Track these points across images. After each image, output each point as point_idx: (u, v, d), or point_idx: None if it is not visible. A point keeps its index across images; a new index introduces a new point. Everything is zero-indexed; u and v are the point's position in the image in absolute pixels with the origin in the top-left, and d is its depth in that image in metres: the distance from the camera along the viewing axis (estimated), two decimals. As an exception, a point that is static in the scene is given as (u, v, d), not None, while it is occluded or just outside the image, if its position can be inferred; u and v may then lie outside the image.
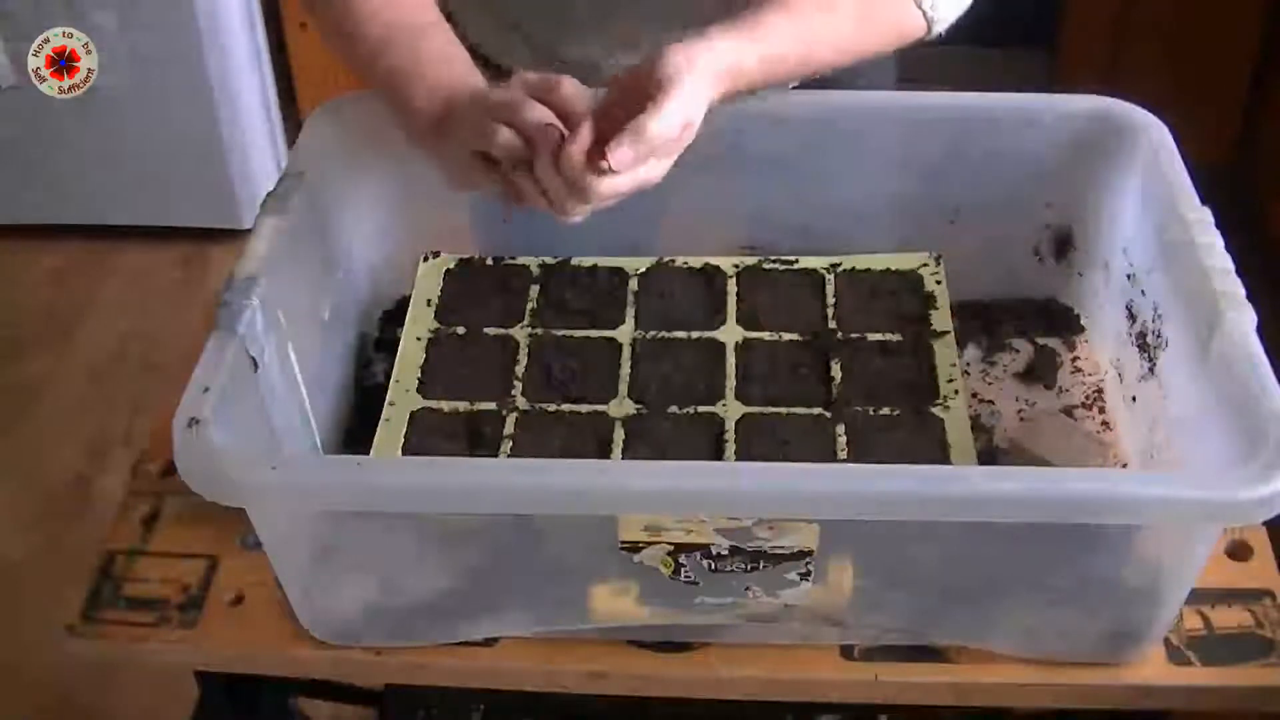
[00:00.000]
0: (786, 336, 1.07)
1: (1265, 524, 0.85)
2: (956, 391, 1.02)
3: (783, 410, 1.01)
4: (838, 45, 0.98)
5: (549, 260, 1.14)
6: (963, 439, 0.98)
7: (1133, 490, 0.80)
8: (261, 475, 0.80)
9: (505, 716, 1.31)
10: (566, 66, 1.15)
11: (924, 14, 1.00)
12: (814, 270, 1.13)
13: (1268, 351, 0.84)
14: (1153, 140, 1.02)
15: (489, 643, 0.93)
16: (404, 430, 1.00)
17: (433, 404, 1.02)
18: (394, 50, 0.99)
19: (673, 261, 1.14)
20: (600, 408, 1.01)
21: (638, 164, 0.86)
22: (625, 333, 1.07)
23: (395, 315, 1.14)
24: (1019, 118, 1.07)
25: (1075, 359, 1.11)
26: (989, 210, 1.10)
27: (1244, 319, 0.86)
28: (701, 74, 0.88)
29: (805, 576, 0.87)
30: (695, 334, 1.07)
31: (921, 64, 1.10)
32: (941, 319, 1.08)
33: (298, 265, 0.98)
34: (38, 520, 2.15)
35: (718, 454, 0.97)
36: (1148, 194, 1.01)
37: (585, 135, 0.87)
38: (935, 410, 1.00)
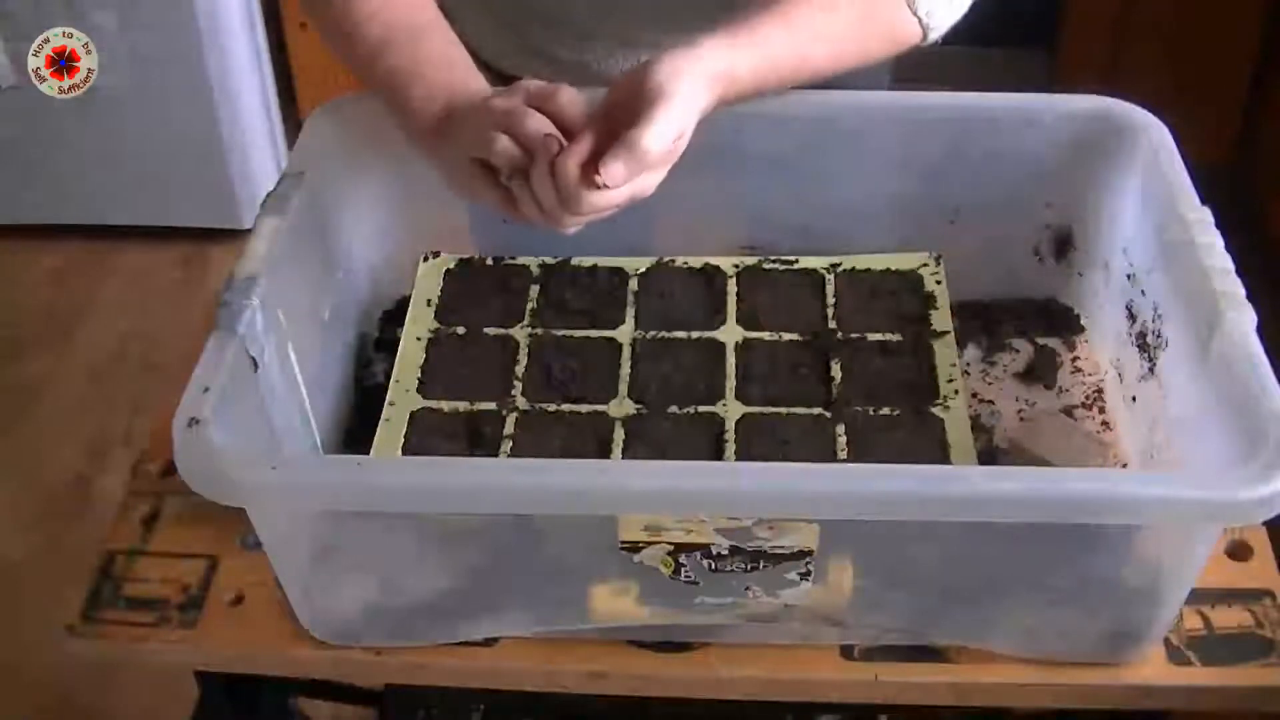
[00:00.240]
0: (786, 336, 1.07)
1: (1265, 524, 0.84)
2: (956, 391, 1.02)
3: (783, 410, 1.01)
4: (833, 52, 0.98)
5: (549, 260, 1.14)
6: (963, 439, 0.98)
7: (1133, 490, 0.80)
8: (261, 475, 0.80)
9: (505, 716, 1.31)
10: (564, 67, 1.16)
11: (919, 20, 1.00)
12: (814, 270, 1.13)
13: (1268, 351, 0.84)
14: (1153, 140, 1.02)
15: (489, 643, 0.93)
16: (404, 430, 1.00)
17: (433, 404, 1.02)
18: (393, 51, 0.98)
19: (673, 261, 1.14)
20: (600, 408, 1.01)
21: (630, 178, 0.87)
22: (625, 333, 1.07)
23: (395, 315, 1.14)
24: (1019, 118, 1.07)
25: (1075, 359, 1.11)
26: (989, 210, 1.10)
27: (1244, 319, 0.86)
28: (692, 83, 0.88)
29: (805, 576, 0.87)
30: (695, 334, 1.07)
31: (921, 64, 1.10)
32: (941, 319, 1.08)
33: (298, 265, 0.98)
34: (38, 520, 2.15)
35: (718, 454, 0.97)
36: (1148, 194, 1.01)
37: (582, 148, 0.87)
38: (935, 410, 1.00)
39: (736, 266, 1.13)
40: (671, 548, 0.85)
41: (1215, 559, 0.94)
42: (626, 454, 0.97)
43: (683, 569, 0.86)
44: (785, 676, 0.92)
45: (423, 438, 1.00)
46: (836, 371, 1.04)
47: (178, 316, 2.44)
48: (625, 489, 0.80)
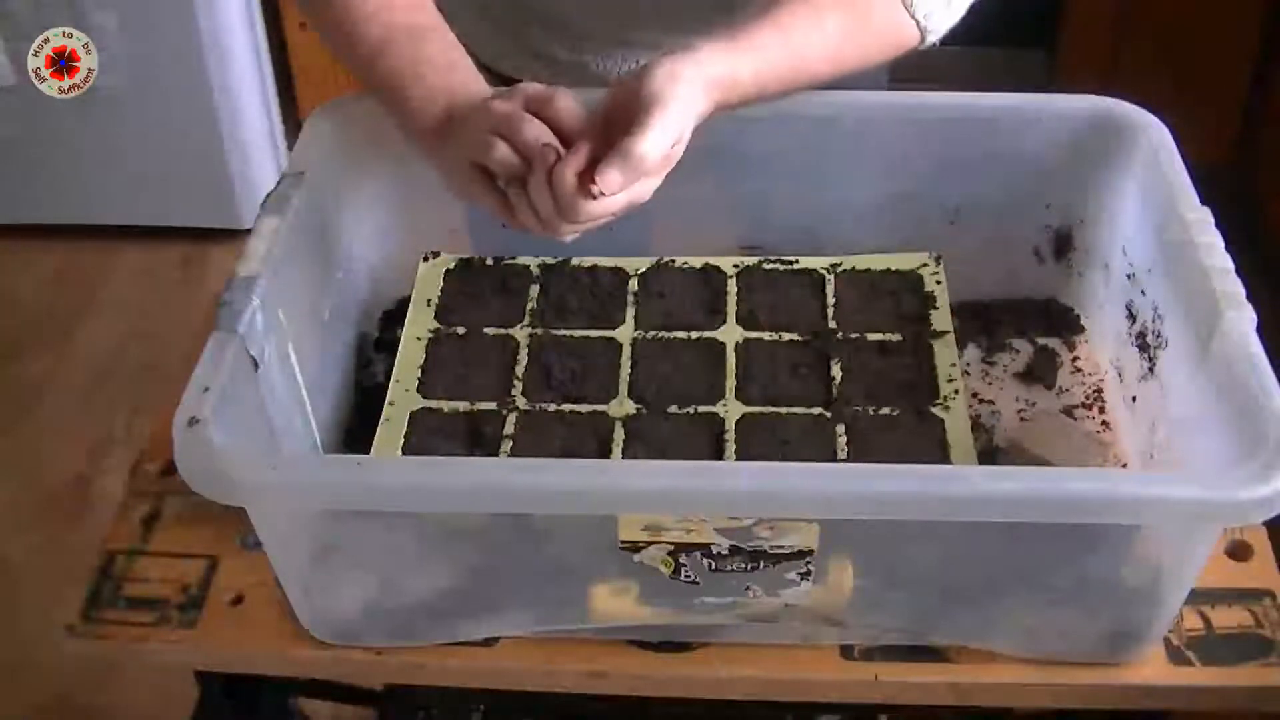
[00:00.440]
0: (786, 336, 1.07)
1: (1265, 524, 0.85)
2: (956, 391, 1.02)
3: (783, 410, 1.01)
4: (831, 56, 0.97)
5: (549, 260, 1.14)
6: (963, 439, 0.98)
7: (1133, 490, 0.80)
8: (261, 475, 0.80)
9: (505, 716, 1.31)
10: (563, 68, 1.16)
11: (918, 24, 0.99)
12: (814, 270, 1.13)
13: (1268, 351, 0.84)
14: (1152, 140, 1.02)
15: (489, 643, 0.93)
16: (404, 430, 1.00)
17: (433, 404, 1.02)
18: (393, 52, 0.98)
19: (673, 261, 1.14)
20: (600, 408, 1.01)
21: (627, 186, 0.86)
22: (625, 333, 1.07)
23: (395, 315, 1.14)
24: (1018, 118, 1.07)
25: (1075, 359, 1.11)
26: (989, 210, 1.10)
27: (1244, 319, 0.86)
28: (689, 88, 0.87)
29: (805, 576, 0.87)
30: (695, 334, 1.07)
31: (920, 64, 1.10)
32: (941, 319, 1.08)
33: (298, 265, 0.98)
34: (38, 520, 2.15)
35: (718, 454, 0.97)
36: (1147, 194, 1.01)
37: (579, 157, 0.87)
38: (935, 410, 1.00)
39: (736, 267, 1.13)
40: (671, 547, 0.85)
41: (1215, 559, 0.94)
42: (626, 454, 0.97)
43: (683, 569, 0.86)
44: (785, 676, 0.92)
45: (423, 438, 1.00)
46: (836, 371, 1.04)
47: (178, 316, 2.44)
48: (625, 489, 0.80)
